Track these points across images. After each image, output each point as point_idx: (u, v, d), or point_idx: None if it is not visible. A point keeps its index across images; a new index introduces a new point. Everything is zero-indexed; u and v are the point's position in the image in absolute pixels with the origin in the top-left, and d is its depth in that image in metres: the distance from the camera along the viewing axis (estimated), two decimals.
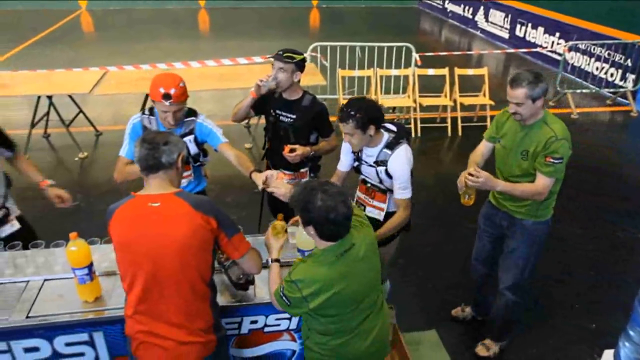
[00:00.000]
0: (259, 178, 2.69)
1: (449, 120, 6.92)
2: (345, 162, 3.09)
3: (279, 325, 2.50)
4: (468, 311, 3.73)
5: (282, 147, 3.17)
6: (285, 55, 3.09)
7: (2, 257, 2.62)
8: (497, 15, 12.25)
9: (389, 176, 2.85)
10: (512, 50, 10.72)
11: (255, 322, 2.47)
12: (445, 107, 7.03)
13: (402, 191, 2.82)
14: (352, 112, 2.66)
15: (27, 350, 2.30)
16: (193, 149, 3.03)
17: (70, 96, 6.28)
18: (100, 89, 5.88)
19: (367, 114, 2.68)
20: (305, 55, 3.21)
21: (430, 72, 7.12)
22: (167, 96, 2.72)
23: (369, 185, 3.02)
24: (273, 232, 2.42)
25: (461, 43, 12.66)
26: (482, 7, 12.97)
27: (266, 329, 2.50)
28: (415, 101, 6.93)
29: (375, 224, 2.84)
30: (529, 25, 10.86)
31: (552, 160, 2.74)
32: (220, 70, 7.02)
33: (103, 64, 7.41)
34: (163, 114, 2.84)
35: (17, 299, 2.38)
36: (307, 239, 2.38)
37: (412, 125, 6.86)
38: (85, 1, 16.13)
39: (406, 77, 7.16)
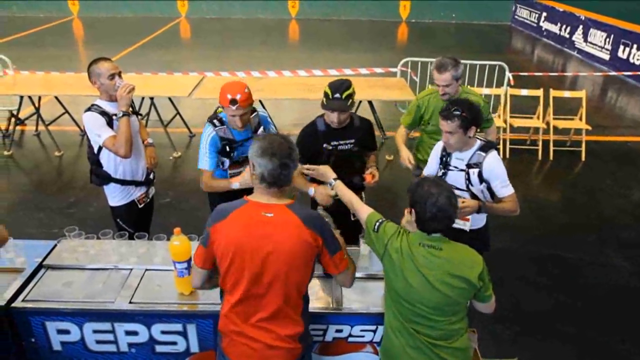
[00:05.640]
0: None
1: (540, 143, 6.64)
2: (432, 167, 3.10)
3: (363, 337, 2.51)
4: None
5: (344, 178, 2.99)
6: (344, 96, 2.93)
7: (110, 244, 2.84)
8: (597, 35, 11.62)
9: (481, 180, 2.85)
10: (613, 73, 10.11)
11: (340, 330, 2.49)
12: (537, 130, 6.75)
13: (505, 189, 2.86)
14: (458, 111, 2.71)
15: (128, 333, 2.46)
16: None
17: (169, 98, 6.68)
18: (198, 92, 6.22)
19: (472, 115, 2.74)
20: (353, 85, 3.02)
21: (524, 92, 6.86)
22: (233, 101, 2.94)
23: None
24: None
25: (555, 63, 12.12)
26: (581, 26, 12.36)
27: (350, 339, 2.52)
28: (505, 122, 6.73)
29: (461, 235, 2.79)
30: (635, 46, 10.19)
31: (489, 116, 3.72)
32: (310, 81, 7.15)
33: (200, 69, 7.81)
34: (232, 118, 3.03)
35: (122, 285, 2.57)
36: None
37: (501, 146, 6.65)
38: (184, 9, 17.14)
39: (497, 97, 6.96)
